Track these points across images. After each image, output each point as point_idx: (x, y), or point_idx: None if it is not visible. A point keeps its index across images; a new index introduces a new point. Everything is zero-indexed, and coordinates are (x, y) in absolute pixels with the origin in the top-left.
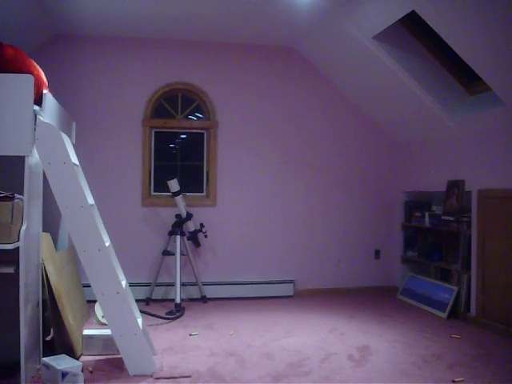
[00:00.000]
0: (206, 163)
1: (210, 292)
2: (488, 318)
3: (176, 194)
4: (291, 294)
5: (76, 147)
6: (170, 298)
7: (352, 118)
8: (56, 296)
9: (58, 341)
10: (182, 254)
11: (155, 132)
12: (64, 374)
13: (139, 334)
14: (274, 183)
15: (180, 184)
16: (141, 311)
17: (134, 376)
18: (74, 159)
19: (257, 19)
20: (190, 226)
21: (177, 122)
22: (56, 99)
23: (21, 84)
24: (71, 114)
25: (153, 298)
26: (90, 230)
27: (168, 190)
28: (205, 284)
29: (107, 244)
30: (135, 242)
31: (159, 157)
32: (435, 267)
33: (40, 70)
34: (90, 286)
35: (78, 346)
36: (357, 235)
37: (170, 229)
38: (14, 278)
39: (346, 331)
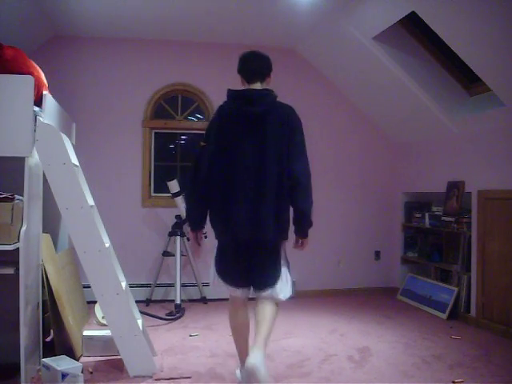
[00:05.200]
0: None
1: (210, 293)
2: (488, 318)
3: (176, 194)
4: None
5: (76, 148)
6: (170, 298)
7: (352, 118)
8: (56, 297)
9: (57, 342)
10: (182, 255)
11: (155, 133)
12: (64, 375)
13: (139, 334)
14: None
15: (180, 185)
16: (141, 312)
17: (134, 377)
18: (74, 160)
19: (257, 20)
20: None
21: (177, 123)
22: (56, 100)
23: (21, 85)
24: (71, 114)
25: (153, 298)
26: (89, 231)
27: (168, 191)
28: (205, 285)
29: (107, 245)
30: (135, 242)
31: (159, 158)
32: (435, 268)
33: (40, 71)
34: (89, 287)
35: (77, 346)
36: (357, 236)
37: (170, 230)
38: (14, 279)
39: (346, 332)
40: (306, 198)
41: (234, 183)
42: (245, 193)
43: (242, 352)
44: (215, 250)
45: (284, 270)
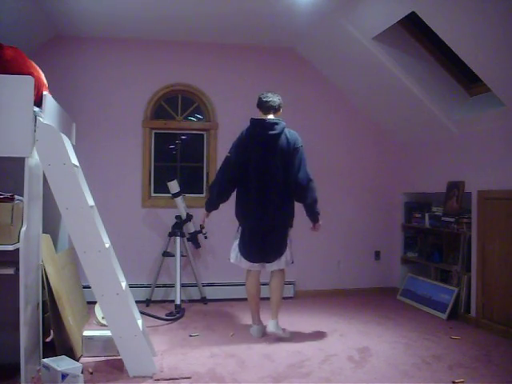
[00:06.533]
0: (205, 164)
1: (210, 293)
2: (488, 319)
3: (176, 195)
4: (291, 295)
5: (76, 148)
6: (170, 299)
7: (352, 118)
8: (56, 297)
9: (57, 342)
10: (182, 255)
11: (155, 133)
12: (64, 376)
13: (139, 335)
14: None
15: (180, 185)
16: (141, 312)
17: (134, 377)
18: (74, 160)
19: (256, 20)
20: (190, 227)
21: (177, 123)
22: (56, 100)
23: (21, 85)
24: (71, 114)
25: (153, 299)
26: (89, 231)
27: (168, 191)
28: (205, 285)
29: (107, 245)
30: (135, 243)
31: (159, 158)
32: (435, 268)
33: (40, 72)
34: (89, 287)
35: (77, 347)
36: (357, 236)
37: (170, 230)
38: (14, 279)
39: (346, 332)
40: (309, 196)
41: (253, 186)
42: (260, 193)
43: (254, 312)
44: (238, 236)
45: (288, 249)
